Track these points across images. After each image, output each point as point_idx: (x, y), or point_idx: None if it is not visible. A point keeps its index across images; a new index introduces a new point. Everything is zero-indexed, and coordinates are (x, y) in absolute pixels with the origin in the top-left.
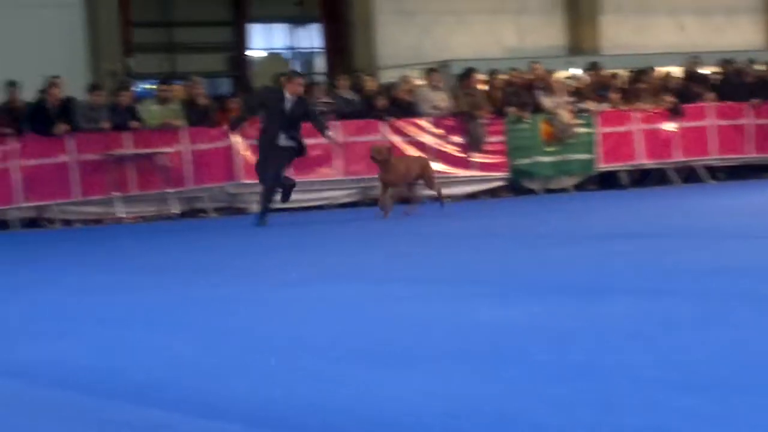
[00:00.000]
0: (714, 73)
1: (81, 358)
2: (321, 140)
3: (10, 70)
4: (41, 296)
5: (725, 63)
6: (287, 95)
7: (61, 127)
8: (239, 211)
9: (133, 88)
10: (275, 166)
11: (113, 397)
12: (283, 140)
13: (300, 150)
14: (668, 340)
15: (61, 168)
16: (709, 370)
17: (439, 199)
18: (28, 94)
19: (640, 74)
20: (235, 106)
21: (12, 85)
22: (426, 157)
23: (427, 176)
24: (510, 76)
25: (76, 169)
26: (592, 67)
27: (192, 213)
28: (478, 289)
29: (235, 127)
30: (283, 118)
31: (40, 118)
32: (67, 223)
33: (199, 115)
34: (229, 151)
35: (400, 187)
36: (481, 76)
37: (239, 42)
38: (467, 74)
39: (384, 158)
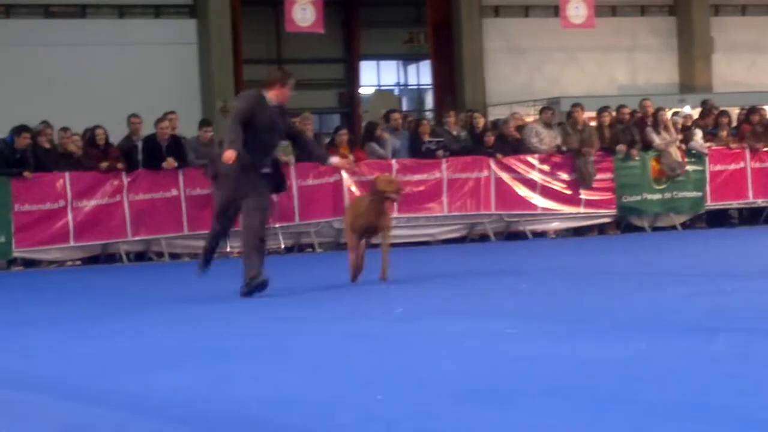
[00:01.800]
0: None
1: (189, 389)
2: (428, 175)
3: (129, 106)
4: (146, 327)
5: None
6: (271, 102)
7: (170, 162)
8: (345, 247)
9: None
10: (255, 203)
11: (223, 429)
12: (266, 167)
13: (279, 182)
14: None
15: (170, 202)
16: None
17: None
18: (146, 129)
19: (751, 112)
20: (343, 137)
21: (134, 116)
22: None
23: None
24: (620, 113)
25: (184, 203)
26: (703, 105)
27: (299, 248)
28: (583, 327)
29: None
30: (271, 136)
31: (151, 153)
32: (176, 257)
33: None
34: (339, 186)
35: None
36: (592, 114)
37: (349, 78)
38: (576, 111)
39: (394, 195)
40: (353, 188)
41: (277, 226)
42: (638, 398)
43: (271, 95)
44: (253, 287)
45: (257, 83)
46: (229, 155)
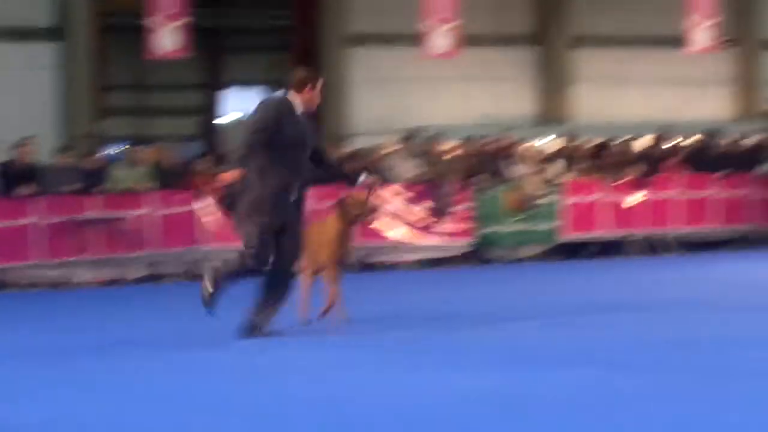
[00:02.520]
0: (684, 144)
1: None
2: None
3: None
4: None
5: (702, 133)
6: (299, 110)
7: (23, 190)
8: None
9: (103, 151)
10: (295, 244)
11: None
12: (295, 193)
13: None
14: (624, 413)
15: (22, 230)
16: None
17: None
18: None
19: (607, 144)
20: (205, 166)
21: None
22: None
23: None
24: (480, 144)
25: (38, 231)
26: (561, 136)
27: (154, 277)
28: (439, 358)
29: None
30: (303, 152)
31: (6, 179)
32: (32, 286)
33: (167, 179)
34: (194, 216)
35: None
36: (452, 143)
37: (211, 106)
38: (435, 141)
39: (369, 216)
40: (213, 218)
41: (132, 255)
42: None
43: (301, 100)
44: (258, 333)
45: (119, 110)
46: (224, 177)
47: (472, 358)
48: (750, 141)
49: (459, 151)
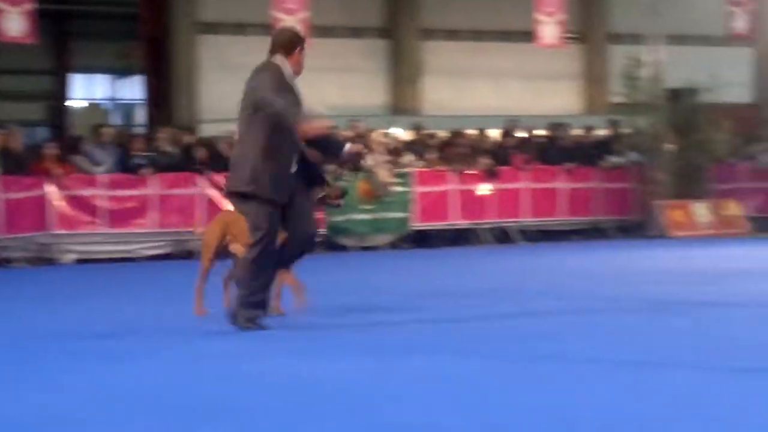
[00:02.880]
0: (532, 136)
1: None
2: (136, 191)
3: None
4: None
5: (549, 127)
6: (290, 76)
7: None
8: (49, 262)
9: None
10: (308, 215)
11: None
12: (295, 165)
13: (313, 175)
14: (476, 399)
15: None
16: None
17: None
18: None
19: (457, 135)
20: (51, 151)
21: None
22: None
23: None
24: None
25: None
26: (411, 127)
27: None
28: (277, 345)
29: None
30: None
31: None
32: None
33: (13, 164)
34: (42, 201)
35: None
36: None
37: (59, 91)
38: None
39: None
40: (61, 203)
41: None
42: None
43: (290, 64)
44: (254, 325)
45: None
46: (320, 124)
47: (316, 346)
48: (597, 134)
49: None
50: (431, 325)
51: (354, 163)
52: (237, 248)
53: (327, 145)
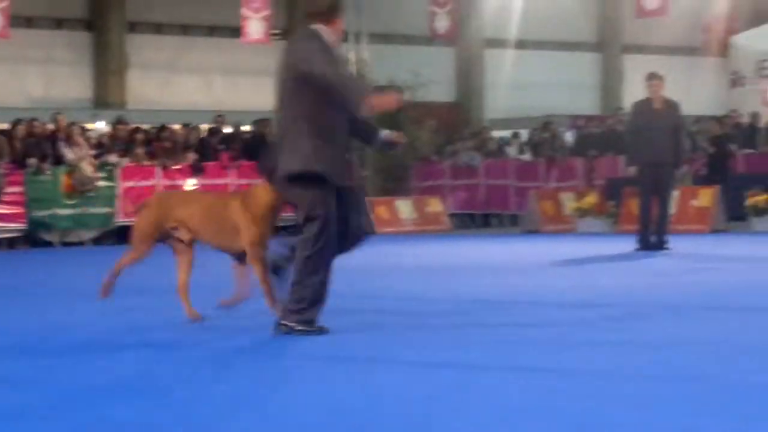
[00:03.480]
0: (238, 132)
1: None
2: None
3: None
4: None
5: (255, 123)
6: (330, 41)
7: None
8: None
9: None
10: (364, 206)
11: None
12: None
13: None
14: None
15: None
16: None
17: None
18: None
19: (163, 130)
20: None
21: None
22: None
23: None
24: (32, 126)
25: None
26: (116, 121)
27: None
28: None
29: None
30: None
31: None
32: None
33: None
34: None
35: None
36: (4, 125)
37: None
38: None
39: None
40: None
41: None
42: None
43: (330, 31)
44: (309, 329)
45: None
46: (391, 98)
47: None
48: None
49: (11, 133)
50: (130, 318)
51: (389, 152)
52: (184, 236)
53: (361, 128)
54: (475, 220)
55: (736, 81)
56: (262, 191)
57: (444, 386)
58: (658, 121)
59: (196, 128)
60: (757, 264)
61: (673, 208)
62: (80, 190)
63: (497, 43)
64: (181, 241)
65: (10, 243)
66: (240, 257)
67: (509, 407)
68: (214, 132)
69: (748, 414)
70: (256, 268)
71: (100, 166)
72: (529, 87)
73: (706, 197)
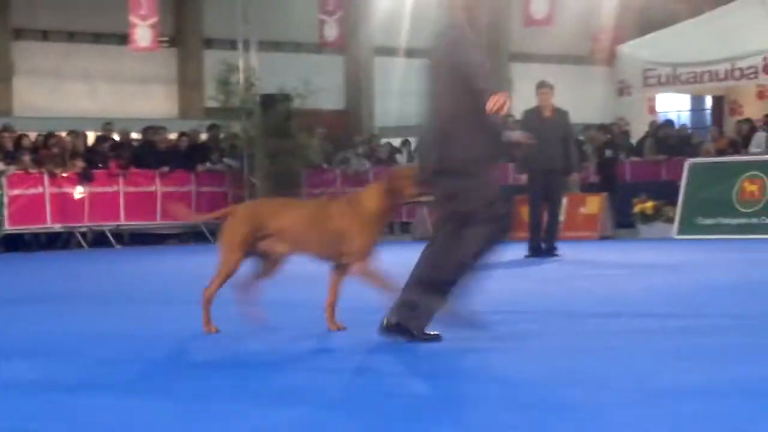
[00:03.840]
0: (127, 140)
1: None
2: None
3: None
4: None
5: (144, 130)
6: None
7: None
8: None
9: None
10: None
11: None
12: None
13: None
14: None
15: None
16: None
17: None
18: None
19: (50, 137)
20: None
21: None
22: None
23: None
24: None
25: None
26: (2, 129)
27: None
28: None
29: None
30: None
31: None
32: None
33: None
34: None
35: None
36: None
37: None
38: None
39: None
40: None
41: None
42: None
43: (470, 25)
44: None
45: None
46: (500, 97)
47: None
48: (193, 138)
49: None
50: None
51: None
52: (278, 248)
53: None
54: None
55: (623, 90)
56: (372, 196)
57: None
58: (548, 129)
59: (84, 135)
60: (642, 270)
61: (562, 215)
62: None
63: (387, 51)
64: (269, 254)
65: None
66: (340, 266)
67: None
68: (102, 139)
69: None
70: (365, 276)
71: None
72: (419, 95)
73: (594, 204)
